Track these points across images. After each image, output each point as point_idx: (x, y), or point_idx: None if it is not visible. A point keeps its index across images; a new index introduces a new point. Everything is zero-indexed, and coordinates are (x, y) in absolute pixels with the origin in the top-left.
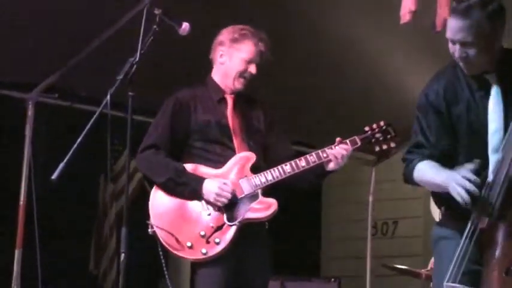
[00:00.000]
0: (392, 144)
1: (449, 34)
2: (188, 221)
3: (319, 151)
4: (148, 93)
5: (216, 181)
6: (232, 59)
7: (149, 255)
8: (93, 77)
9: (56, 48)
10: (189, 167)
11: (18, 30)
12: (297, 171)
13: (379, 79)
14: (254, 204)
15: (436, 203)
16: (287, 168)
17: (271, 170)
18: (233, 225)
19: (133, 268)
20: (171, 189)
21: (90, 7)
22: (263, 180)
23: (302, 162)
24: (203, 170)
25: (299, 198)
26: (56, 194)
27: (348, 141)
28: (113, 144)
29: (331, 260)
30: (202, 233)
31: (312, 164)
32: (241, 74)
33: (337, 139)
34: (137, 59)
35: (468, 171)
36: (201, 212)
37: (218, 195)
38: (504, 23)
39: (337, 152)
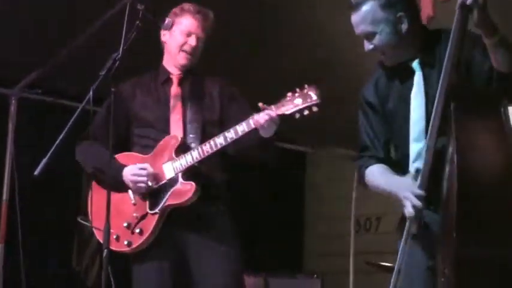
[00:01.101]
0: (314, 109)
1: (355, 31)
2: (117, 212)
3: (248, 119)
4: None
5: (133, 167)
6: (172, 34)
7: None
8: (76, 73)
9: (39, 43)
10: (122, 155)
11: (0, 26)
12: (228, 142)
13: (360, 75)
14: (174, 189)
15: None
16: (219, 140)
17: (193, 150)
18: (154, 213)
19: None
20: (97, 179)
21: (74, 3)
22: (183, 162)
23: (230, 134)
24: (133, 157)
25: (282, 194)
26: (39, 190)
27: (272, 106)
28: None
29: (315, 257)
30: (126, 224)
31: (240, 133)
32: (181, 47)
33: (260, 104)
34: (120, 54)
35: (416, 187)
36: (129, 202)
37: (134, 182)
38: (409, 6)
39: (260, 118)
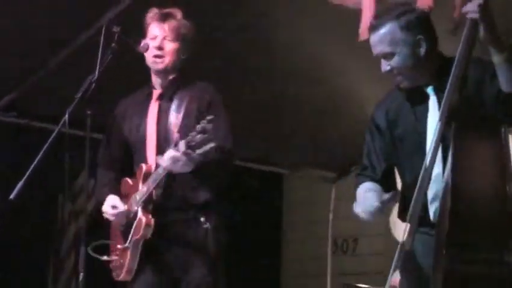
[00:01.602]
0: (211, 145)
1: (373, 51)
2: (115, 241)
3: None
4: (108, 111)
5: (106, 203)
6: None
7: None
8: (51, 96)
9: (14, 66)
10: (123, 181)
11: None
12: (153, 185)
13: (338, 95)
14: (135, 223)
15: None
16: (149, 181)
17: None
18: (127, 247)
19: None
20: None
21: (50, 24)
22: (140, 195)
23: (145, 186)
24: (126, 183)
25: (258, 215)
26: (15, 213)
27: (171, 149)
28: (71, 163)
29: (292, 278)
30: (116, 255)
31: (152, 185)
32: (141, 47)
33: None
34: (96, 77)
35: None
36: (119, 233)
37: (109, 218)
38: (428, 31)
39: (163, 157)
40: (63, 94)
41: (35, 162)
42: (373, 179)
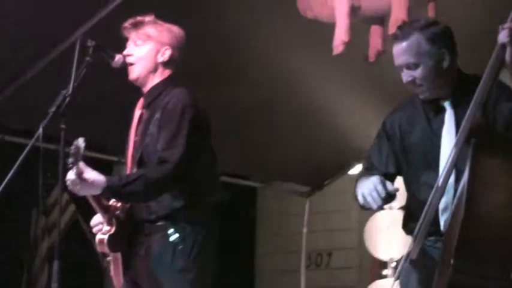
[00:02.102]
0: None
1: (395, 62)
2: None
3: None
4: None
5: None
6: None
7: None
8: (25, 110)
9: None
10: None
11: None
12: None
13: (311, 110)
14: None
15: (403, 228)
16: None
17: None
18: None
19: None
20: None
21: (24, 37)
22: None
23: None
24: None
25: (232, 228)
26: None
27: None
28: (45, 178)
29: None
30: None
31: None
32: (115, 62)
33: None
34: (70, 91)
35: (382, 183)
36: None
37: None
38: (451, 46)
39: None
40: (37, 108)
41: (9, 177)
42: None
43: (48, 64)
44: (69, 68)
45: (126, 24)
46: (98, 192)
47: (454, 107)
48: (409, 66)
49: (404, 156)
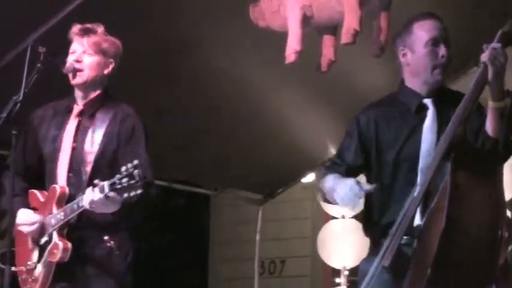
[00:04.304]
0: (133, 193)
1: (433, 33)
2: (22, 254)
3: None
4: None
5: (23, 213)
6: None
7: None
8: None
9: None
10: (31, 192)
11: None
12: (71, 215)
13: (264, 118)
14: (50, 246)
15: (365, 232)
16: (70, 208)
17: (65, 207)
18: (41, 267)
19: None
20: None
21: None
22: (54, 221)
23: (62, 212)
24: (34, 197)
25: (186, 236)
26: None
27: (96, 188)
28: None
29: None
30: (25, 269)
31: (70, 215)
32: (66, 68)
33: (95, 181)
34: (21, 97)
35: (357, 182)
36: (28, 247)
37: (24, 229)
38: None
39: (85, 197)
40: None
41: None
42: (341, 172)
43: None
44: (20, 74)
45: (76, 29)
46: (117, 208)
47: (435, 106)
48: (446, 43)
49: (378, 153)
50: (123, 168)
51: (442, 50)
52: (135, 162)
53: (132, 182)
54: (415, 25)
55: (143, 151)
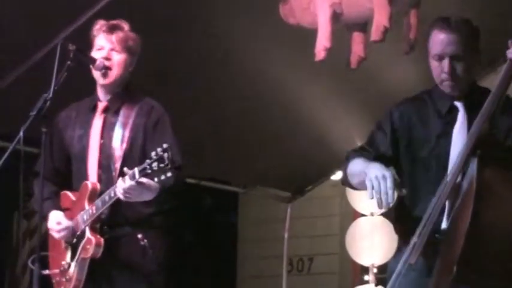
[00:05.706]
0: (163, 176)
1: (438, 48)
2: (56, 256)
3: (110, 190)
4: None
5: (51, 219)
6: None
7: None
8: (6, 113)
9: None
10: (63, 194)
11: None
12: (103, 207)
13: (293, 115)
14: (83, 243)
15: (395, 229)
16: (99, 202)
17: (97, 201)
18: (74, 265)
19: None
20: None
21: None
22: (87, 216)
23: (94, 207)
24: (66, 198)
25: (214, 234)
26: None
27: (126, 176)
28: (26, 181)
29: None
30: (58, 270)
31: (102, 208)
32: (96, 66)
33: (124, 169)
34: (51, 95)
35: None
36: (61, 248)
37: (54, 235)
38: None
39: (118, 187)
40: (18, 112)
41: None
42: (370, 157)
43: (29, 68)
44: (50, 72)
45: (103, 25)
46: (153, 195)
47: (467, 108)
48: (453, 57)
49: (408, 149)
50: (153, 153)
51: (445, 67)
52: (165, 145)
53: (162, 165)
54: (431, 33)
55: (170, 137)
